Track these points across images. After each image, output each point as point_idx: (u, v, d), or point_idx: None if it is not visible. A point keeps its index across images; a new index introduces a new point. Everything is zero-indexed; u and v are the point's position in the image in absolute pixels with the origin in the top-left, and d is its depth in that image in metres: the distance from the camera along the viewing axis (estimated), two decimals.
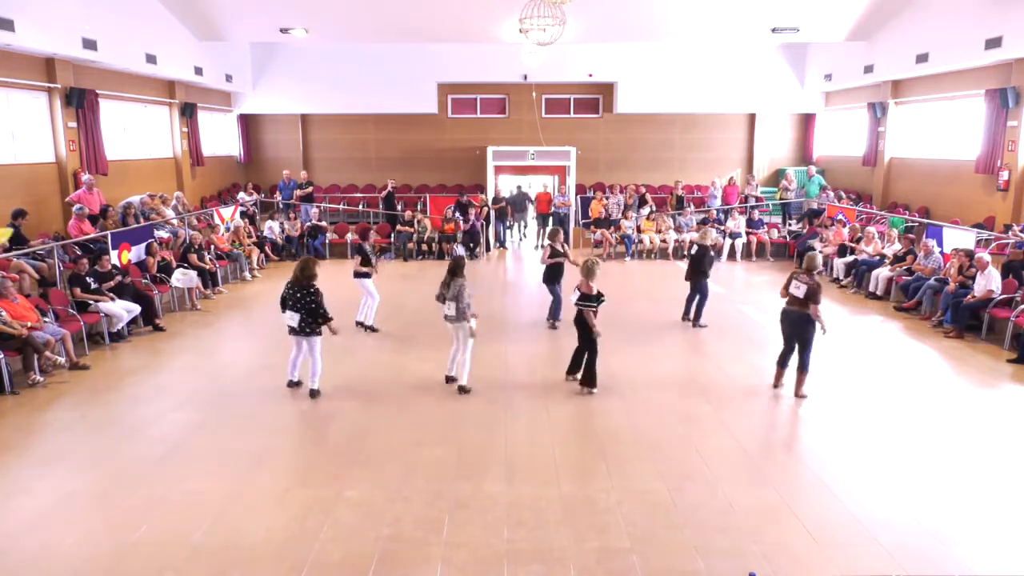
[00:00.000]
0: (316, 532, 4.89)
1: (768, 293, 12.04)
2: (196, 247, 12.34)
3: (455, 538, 4.83)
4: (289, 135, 20.64)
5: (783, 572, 4.46)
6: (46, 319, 8.45)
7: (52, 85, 12.13)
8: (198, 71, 16.22)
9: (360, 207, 19.19)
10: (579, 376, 7.73)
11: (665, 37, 17.39)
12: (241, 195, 17.55)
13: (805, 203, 17.73)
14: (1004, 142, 12.89)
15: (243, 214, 15.65)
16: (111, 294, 9.58)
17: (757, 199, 17.82)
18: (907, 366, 8.68)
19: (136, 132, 15.34)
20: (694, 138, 20.72)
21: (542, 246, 11.56)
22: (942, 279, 10.75)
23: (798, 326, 7.34)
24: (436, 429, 6.65)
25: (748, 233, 16.01)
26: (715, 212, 16.99)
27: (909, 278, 11.48)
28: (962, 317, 9.73)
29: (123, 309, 9.51)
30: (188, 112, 16.72)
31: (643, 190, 18.20)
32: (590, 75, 19.53)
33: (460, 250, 15.38)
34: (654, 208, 17.49)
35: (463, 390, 7.56)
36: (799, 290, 7.29)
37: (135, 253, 11.17)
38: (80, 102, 12.45)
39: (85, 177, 12.29)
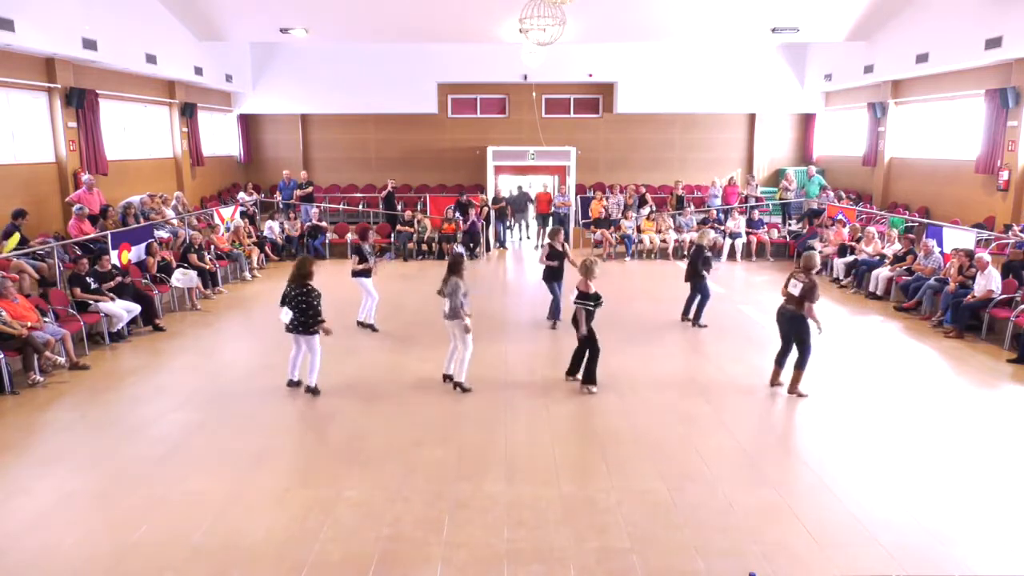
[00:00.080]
0: (316, 532, 4.89)
1: (768, 293, 12.03)
2: (196, 247, 12.34)
3: (455, 538, 4.83)
4: (289, 135, 20.64)
5: (783, 572, 4.46)
6: (46, 319, 8.45)
7: (52, 85, 12.14)
8: (198, 71, 16.22)
9: (360, 207, 19.19)
10: (579, 376, 7.75)
11: (665, 37, 17.40)
12: (241, 195, 17.55)
13: (805, 203, 17.73)
14: (1004, 142, 12.89)
15: (243, 214, 15.65)
16: (111, 294, 9.58)
17: (757, 199, 17.82)
18: (907, 366, 8.68)
19: (136, 132, 15.34)
20: (694, 138, 20.73)
21: (542, 246, 11.58)
22: (942, 279, 10.75)
23: (793, 325, 7.38)
24: (436, 429, 6.65)
25: (748, 233, 16.00)
26: (715, 212, 16.99)
27: (909, 278, 11.48)
28: (962, 317, 9.73)
29: (123, 309, 9.51)
30: (188, 112, 16.72)
31: (643, 190, 18.20)
32: (590, 75, 19.53)
33: (460, 250, 15.37)
34: (654, 208, 17.49)
35: (463, 389, 7.57)
36: (796, 289, 7.34)
37: (135, 253, 11.17)
38: (80, 102, 12.45)
39: (85, 177, 12.29)
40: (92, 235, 11.09)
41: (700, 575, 4.44)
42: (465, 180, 20.12)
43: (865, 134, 17.42)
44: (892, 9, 14.88)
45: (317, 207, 16.96)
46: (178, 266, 11.65)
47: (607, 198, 17.26)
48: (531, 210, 18.56)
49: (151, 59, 14.10)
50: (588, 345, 7.53)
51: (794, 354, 7.49)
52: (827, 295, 12.12)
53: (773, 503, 5.30)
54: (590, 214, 17.23)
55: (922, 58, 14.33)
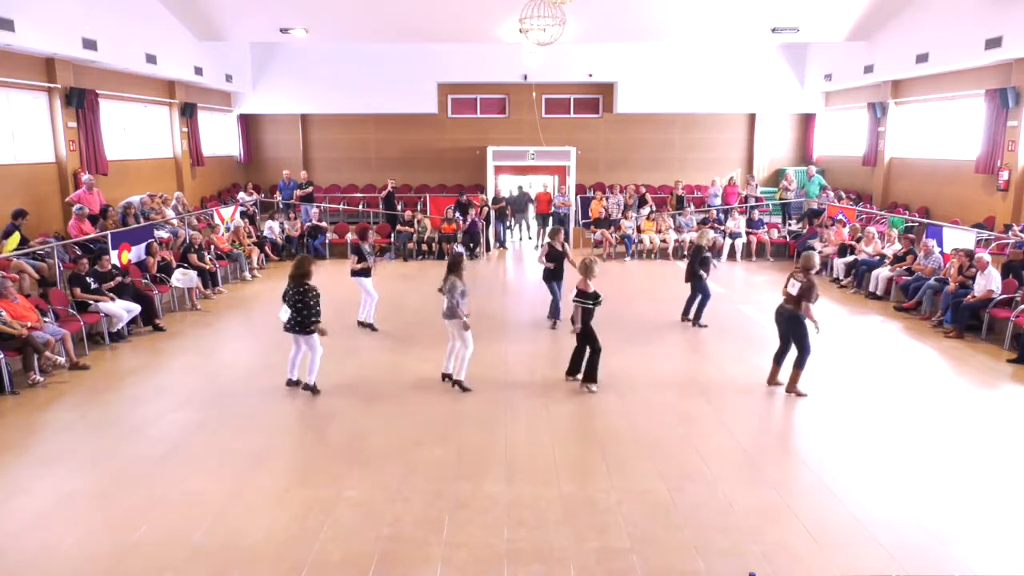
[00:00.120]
0: (316, 532, 4.89)
1: (768, 293, 12.03)
2: (196, 247, 12.34)
3: (455, 538, 4.83)
4: (289, 135, 20.64)
5: (783, 572, 4.46)
6: (46, 319, 8.45)
7: (52, 85, 12.14)
8: (198, 71, 16.22)
9: (360, 207, 19.19)
10: (579, 377, 7.76)
11: (665, 37, 17.39)
12: (241, 195, 17.55)
13: (805, 203, 17.73)
14: (1004, 142, 12.89)
15: (243, 214, 15.65)
16: (111, 294, 9.58)
17: (757, 199, 17.82)
18: (907, 366, 8.68)
19: (136, 132, 15.34)
20: (694, 138, 20.72)
21: (542, 246, 11.59)
22: (942, 279, 10.75)
23: (791, 324, 7.42)
24: (436, 429, 6.65)
25: (748, 233, 16.01)
26: (715, 212, 16.99)
27: (909, 278, 11.48)
28: (962, 317, 9.73)
29: (123, 309, 9.51)
30: (188, 112, 16.72)
31: (643, 190, 18.20)
32: (590, 75, 19.53)
33: (460, 250, 15.37)
34: (654, 208, 17.49)
35: (462, 388, 7.59)
36: (794, 288, 7.38)
37: (135, 253, 11.17)
38: (80, 102, 12.45)
39: (85, 177, 12.29)
40: (92, 235, 11.09)
41: (700, 575, 4.44)
42: (465, 180, 20.12)
43: (865, 134, 17.42)
44: (892, 9, 14.88)
45: (317, 207, 16.96)
46: (178, 266, 11.65)
47: (607, 198, 17.26)
48: (531, 210, 18.56)
49: (151, 59, 14.10)
50: (589, 344, 7.54)
51: (793, 353, 7.51)
52: (827, 295, 12.12)
53: (773, 503, 5.30)
54: (590, 214, 17.23)
55: (922, 58, 14.33)
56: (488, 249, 17.12)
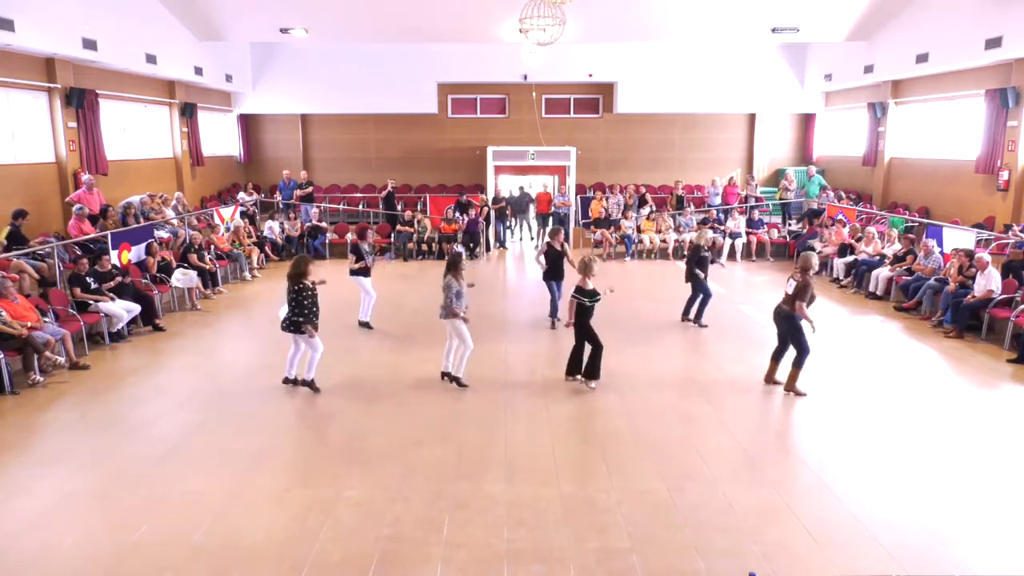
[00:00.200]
0: (316, 532, 4.89)
1: (768, 293, 12.03)
2: (196, 247, 12.34)
3: (455, 538, 4.83)
4: (289, 135, 20.64)
5: (783, 572, 4.46)
6: (46, 319, 8.45)
7: (52, 85, 12.14)
8: (198, 71, 16.22)
9: (360, 207, 19.19)
10: (578, 377, 7.78)
11: (665, 37, 17.39)
12: (241, 195, 17.55)
13: (805, 203, 17.73)
14: (1004, 142, 12.89)
15: (243, 214, 15.66)
16: (111, 294, 9.58)
17: (757, 199, 17.81)
18: (907, 366, 8.68)
19: (136, 132, 15.34)
20: (694, 138, 20.72)
21: (542, 245, 11.60)
22: (942, 279, 10.75)
23: (788, 324, 7.45)
24: (436, 429, 6.65)
25: (748, 233, 16.01)
26: (715, 212, 16.99)
27: (909, 278, 11.48)
28: (962, 317, 9.73)
29: (123, 309, 9.51)
30: (188, 112, 16.72)
31: (643, 190, 18.20)
32: (590, 75, 19.53)
33: (459, 250, 15.37)
34: (654, 208, 17.49)
35: (459, 384, 7.62)
36: (791, 288, 7.44)
37: (135, 253, 11.17)
38: (80, 102, 12.45)
39: (85, 177, 12.29)
40: (92, 235, 11.09)
41: (700, 575, 4.44)
42: (465, 180, 20.12)
43: (865, 134, 17.42)
44: (892, 9, 14.88)
45: (317, 207, 16.96)
46: (178, 266, 11.66)
47: (607, 198, 17.26)
48: (531, 210, 18.56)
49: (151, 59, 14.10)
50: (590, 342, 7.57)
51: (791, 352, 7.52)
52: (827, 295, 12.13)
53: (773, 503, 5.30)
54: (590, 214, 17.24)
55: (922, 58, 14.33)
56: (488, 249, 17.12)
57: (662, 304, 11.46)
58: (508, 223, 18.09)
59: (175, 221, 13.89)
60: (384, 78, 19.41)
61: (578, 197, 18.38)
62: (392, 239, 16.51)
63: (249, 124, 20.41)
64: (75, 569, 4.50)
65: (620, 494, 5.41)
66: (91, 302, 9.27)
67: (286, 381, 7.72)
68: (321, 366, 7.81)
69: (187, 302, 11.45)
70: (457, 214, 16.39)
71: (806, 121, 20.72)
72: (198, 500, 5.33)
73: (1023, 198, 12.71)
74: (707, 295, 10.16)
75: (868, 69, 16.34)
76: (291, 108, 20.05)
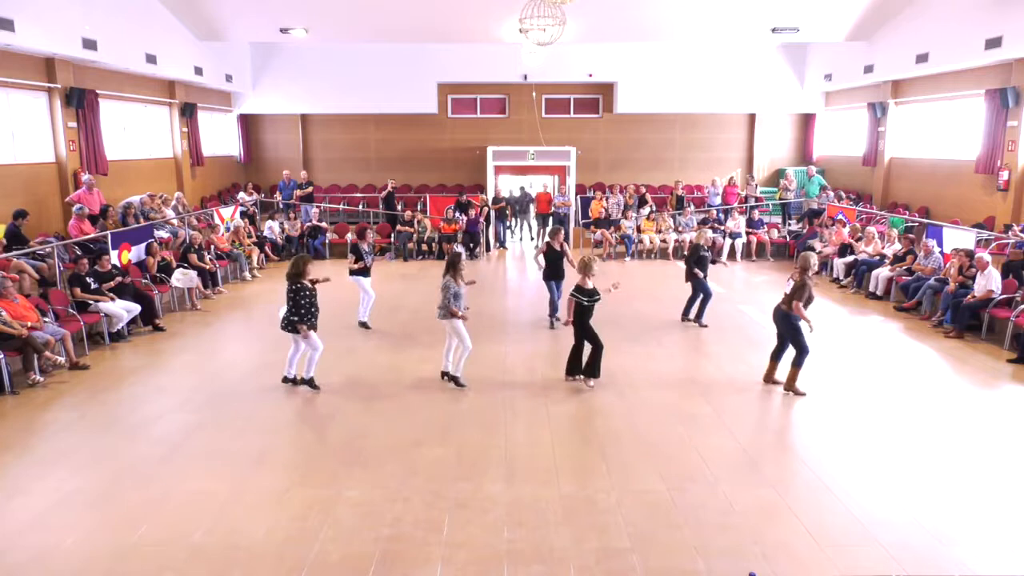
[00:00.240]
0: (316, 532, 4.89)
1: (768, 293, 12.03)
2: (196, 247, 12.34)
3: (455, 538, 4.83)
4: (289, 135, 20.64)
5: (783, 572, 4.46)
6: (46, 319, 8.45)
7: (52, 85, 12.14)
8: (198, 71, 16.22)
9: (360, 207, 19.19)
10: (578, 377, 7.79)
11: (665, 37, 17.40)
12: (241, 195, 17.55)
13: (805, 203, 17.73)
14: (1004, 142, 12.89)
15: (243, 214, 15.65)
16: (111, 294, 9.58)
17: (757, 199, 17.81)
18: (907, 366, 8.68)
19: (136, 132, 15.34)
20: (694, 138, 20.73)
21: (541, 245, 11.61)
22: (942, 279, 10.75)
23: (786, 323, 7.47)
24: (436, 429, 6.65)
25: (748, 233, 16.01)
26: (715, 212, 16.99)
27: (909, 278, 11.48)
28: (962, 317, 9.73)
29: (123, 309, 9.51)
30: (188, 112, 16.72)
31: (643, 190, 18.20)
32: (590, 75, 19.53)
33: (459, 250, 15.36)
34: (654, 208, 17.49)
35: (457, 383, 7.64)
36: (788, 287, 7.51)
37: (135, 253, 11.17)
38: (80, 102, 12.45)
39: (85, 177, 12.29)
40: (92, 235, 11.09)
41: (700, 575, 4.44)
42: (465, 180, 20.13)
43: (865, 134, 17.43)
44: (892, 9, 14.88)
45: (317, 207, 16.96)
46: (178, 266, 11.65)
47: (607, 198, 17.26)
48: (531, 210, 18.56)
49: (151, 59, 14.10)
50: (590, 341, 7.58)
51: (791, 352, 7.53)
52: (827, 295, 12.13)
53: (773, 503, 5.30)
54: (590, 214, 17.24)
55: (922, 58, 14.33)
56: (488, 249, 17.12)
57: (662, 304, 11.46)
58: (508, 223, 18.07)
59: (175, 221, 13.89)
60: (384, 78, 19.41)
61: (578, 197, 18.37)
62: (392, 239, 16.50)
63: (249, 124, 20.41)
64: (75, 569, 4.50)
65: (620, 494, 5.41)
66: (91, 302, 9.27)
67: (285, 380, 7.74)
68: (321, 366, 7.82)
69: (187, 302, 11.46)
70: (457, 214, 16.39)
71: (806, 121, 20.72)
72: (198, 500, 5.33)
73: (1023, 198, 12.71)
74: (707, 295, 10.16)
75: (868, 69, 16.34)
76: (291, 108, 20.05)
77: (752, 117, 20.52)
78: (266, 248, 15.23)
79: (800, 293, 7.30)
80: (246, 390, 7.69)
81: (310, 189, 17.71)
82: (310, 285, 7.46)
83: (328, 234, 16.46)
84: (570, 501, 5.31)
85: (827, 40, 16.89)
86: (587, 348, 7.68)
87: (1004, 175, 12.88)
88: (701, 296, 10.17)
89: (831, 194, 17.12)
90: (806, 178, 17.99)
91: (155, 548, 4.71)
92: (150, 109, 15.81)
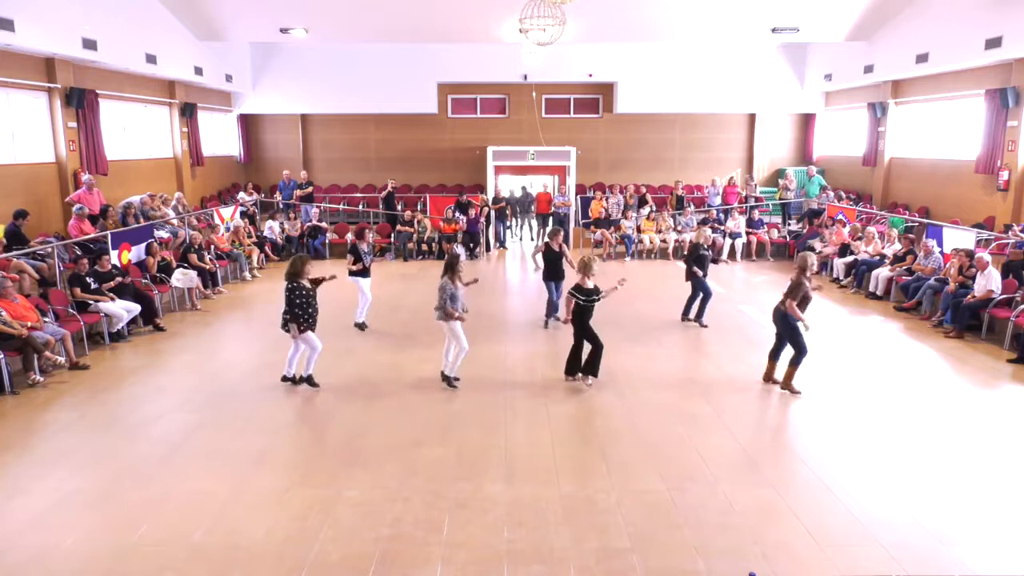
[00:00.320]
0: (316, 532, 4.89)
1: (768, 293, 12.02)
2: (196, 247, 12.34)
3: (455, 538, 4.83)
4: (289, 135, 20.64)
5: (783, 572, 4.46)
6: (46, 319, 8.45)
7: (52, 85, 12.14)
8: (198, 71, 16.22)
9: (360, 207, 19.19)
10: (578, 376, 7.79)
11: (665, 37, 17.40)
12: (241, 195, 17.55)
13: (805, 203, 17.73)
14: (1004, 142, 12.89)
15: (243, 214, 15.66)
16: (111, 294, 9.58)
17: (756, 199, 17.82)
18: (907, 366, 8.68)
19: (136, 132, 15.35)
20: (694, 138, 20.73)
21: (539, 246, 11.61)
22: (942, 279, 10.75)
23: (784, 323, 7.49)
24: (436, 429, 6.65)
25: (748, 233, 16.01)
26: (715, 212, 16.99)
27: (909, 278, 11.48)
28: (962, 317, 9.73)
29: (123, 309, 9.51)
30: (188, 112, 16.72)
31: (643, 190, 18.20)
32: (590, 75, 19.53)
33: (459, 249, 15.39)
34: (654, 208, 17.49)
35: (450, 383, 7.65)
36: (786, 286, 7.52)
37: (135, 253, 11.17)
38: (80, 102, 12.45)
39: (85, 177, 12.30)
40: (92, 235, 11.09)
41: (700, 575, 4.44)
42: (465, 180, 20.12)
43: (865, 134, 17.43)
44: (892, 9, 14.88)
45: (317, 207, 16.96)
46: (178, 266, 11.65)
47: (607, 198, 17.26)
48: (533, 210, 18.56)
49: (151, 59, 14.10)
50: (589, 341, 7.59)
51: (789, 351, 7.53)
52: (827, 295, 12.12)
53: (773, 503, 5.30)
54: (590, 214, 17.23)
55: (922, 58, 14.33)
56: (488, 249, 17.12)
57: (662, 304, 11.46)
58: (508, 223, 18.06)
59: (175, 221, 13.89)
60: (384, 78, 19.41)
61: (578, 197, 18.36)
62: (392, 239, 16.50)
63: (249, 124, 20.41)
64: (75, 569, 4.50)
65: (620, 494, 5.41)
66: (91, 302, 9.27)
67: (285, 379, 7.75)
68: (321, 366, 7.83)
69: (187, 302, 11.46)
70: (457, 214, 16.39)
71: (806, 121, 20.72)
72: (198, 500, 5.33)
73: (1023, 198, 12.71)
74: (707, 294, 10.16)
75: (868, 69, 16.34)
76: (291, 108, 20.05)
77: (752, 117, 20.52)
78: (266, 248, 15.23)
79: (795, 292, 7.32)
80: (246, 390, 7.69)
81: (310, 189, 17.71)
82: (308, 285, 7.46)
83: (328, 234, 16.46)
84: (570, 501, 5.31)
85: (827, 40, 16.90)
86: (587, 347, 7.69)
87: (1004, 175, 12.88)
88: (701, 296, 10.17)
89: (831, 194, 17.12)
90: (806, 178, 17.99)
91: (155, 548, 4.71)
92: (150, 109, 15.81)
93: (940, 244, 11.53)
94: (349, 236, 15.61)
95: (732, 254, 15.80)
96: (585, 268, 7.56)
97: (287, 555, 4.63)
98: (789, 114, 20.55)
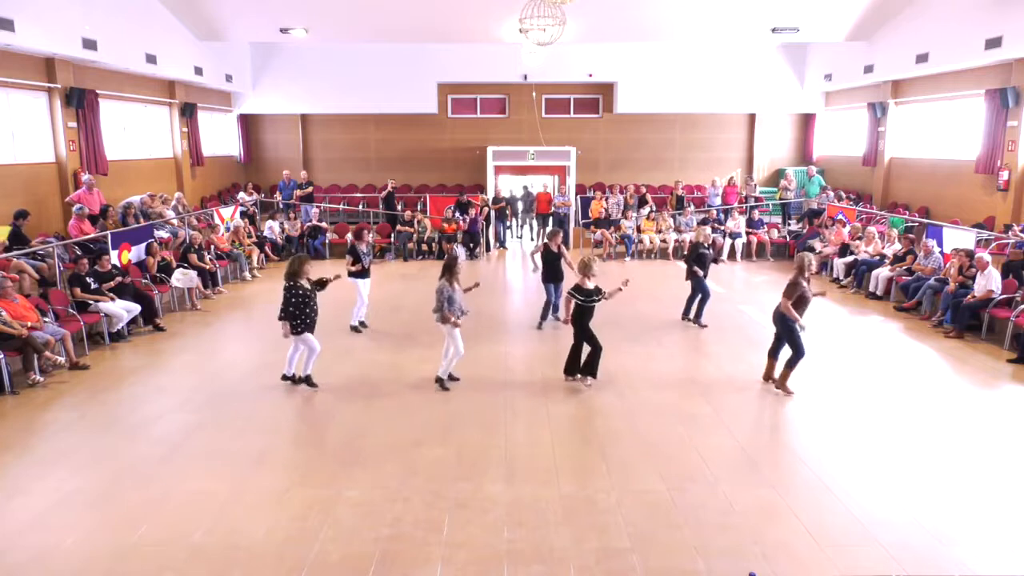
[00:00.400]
0: (316, 532, 4.90)
1: (768, 293, 12.02)
2: (196, 247, 12.34)
3: (455, 538, 4.83)
4: (289, 135, 20.64)
5: (783, 572, 4.46)
6: (46, 319, 8.45)
7: (52, 85, 12.14)
8: (198, 71, 16.22)
9: (360, 207, 19.19)
10: (578, 376, 7.79)
11: (665, 37, 17.41)
12: (241, 195, 17.55)
13: (805, 203, 17.73)
14: (1004, 142, 12.89)
15: (243, 214, 15.66)
16: (111, 294, 9.58)
17: (756, 199, 17.82)
18: (907, 366, 8.68)
19: (136, 132, 15.35)
20: (694, 138, 20.73)
21: (538, 246, 11.60)
22: (942, 279, 10.75)
23: (783, 323, 7.50)
24: (436, 429, 6.65)
25: (748, 233, 16.01)
26: (715, 212, 16.99)
27: (909, 278, 11.48)
28: (962, 317, 9.73)
29: (123, 309, 9.51)
30: (188, 112, 16.72)
31: (643, 190, 18.20)
32: (590, 75, 19.53)
33: (459, 249, 15.39)
34: (654, 208, 17.49)
35: (442, 385, 7.63)
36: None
37: (135, 253, 11.18)
38: (80, 102, 12.45)
39: (85, 177, 12.30)
40: (92, 235, 11.09)
41: (700, 575, 4.44)
42: (465, 180, 20.12)
43: (865, 134, 17.43)
44: (892, 9, 14.88)
45: (317, 207, 16.96)
46: (178, 266, 11.65)
47: (607, 198, 17.26)
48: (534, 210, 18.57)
49: (151, 59, 14.10)
50: (588, 343, 7.58)
51: (788, 351, 7.53)
52: (827, 295, 12.09)
53: (773, 503, 5.30)
54: (590, 214, 17.23)
55: (922, 58, 14.33)
56: (488, 249, 17.12)
57: (662, 304, 11.46)
58: (508, 223, 18.06)
59: (175, 221, 13.89)
60: (384, 78, 19.41)
61: (578, 197, 18.36)
62: (392, 239, 16.50)
63: (249, 124, 20.41)
64: (75, 569, 4.50)
65: (620, 494, 5.41)
66: (91, 302, 9.27)
67: (285, 378, 7.76)
68: (321, 366, 7.83)
69: (187, 302, 11.46)
70: (457, 214, 16.39)
71: (806, 121, 20.72)
72: (198, 500, 5.33)
73: (1023, 198, 12.72)
74: (706, 294, 10.15)
75: (868, 69, 16.34)
76: (291, 108, 20.05)
77: (752, 117, 20.52)
78: (266, 248, 15.23)
79: (791, 292, 7.32)
80: (246, 390, 7.69)
81: (310, 189, 17.71)
82: (307, 286, 7.45)
83: (328, 234, 16.46)
84: (570, 501, 5.31)
85: (827, 40, 16.90)
86: (586, 348, 7.69)
87: (1004, 175, 12.88)
88: (700, 295, 10.17)
89: (831, 194, 17.12)
90: (806, 178, 18.00)
91: (155, 548, 4.71)
92: (150, 109, 15.82)
93: (940, 244, 11.53)
94: (349, 236, 15.63)
95: (732, 254, 15.80)
96: (585, 269, 7.55)
97: (287, 555, 4.63)
98: (789, 114, 20.55)
